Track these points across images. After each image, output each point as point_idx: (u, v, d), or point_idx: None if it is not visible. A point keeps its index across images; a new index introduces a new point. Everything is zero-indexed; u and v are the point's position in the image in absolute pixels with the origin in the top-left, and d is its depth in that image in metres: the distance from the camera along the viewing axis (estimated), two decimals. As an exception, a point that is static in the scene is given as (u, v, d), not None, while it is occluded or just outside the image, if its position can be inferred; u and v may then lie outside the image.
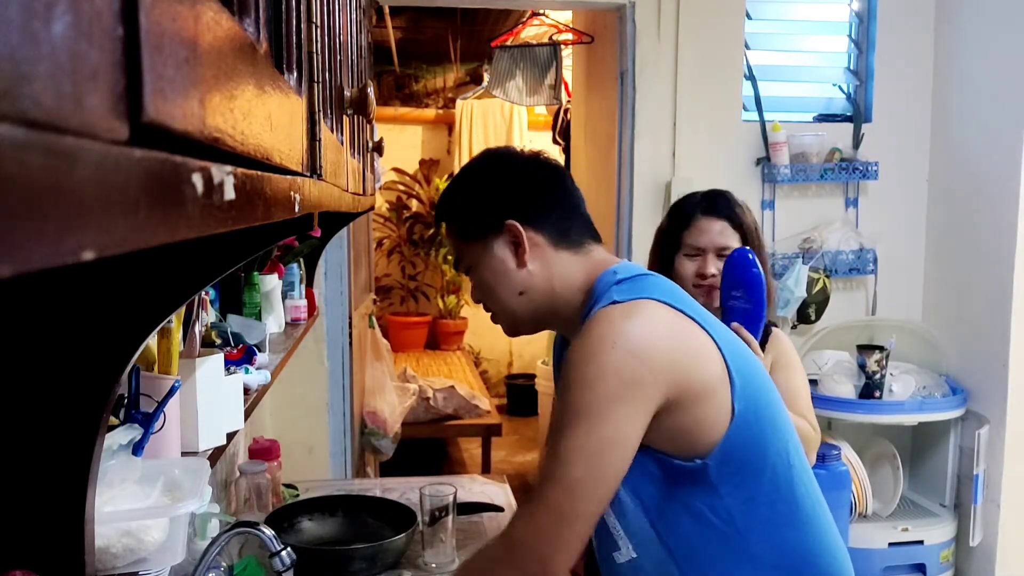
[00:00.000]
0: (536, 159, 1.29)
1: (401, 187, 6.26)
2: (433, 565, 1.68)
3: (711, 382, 1.11)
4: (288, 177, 0.58)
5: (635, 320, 1.09)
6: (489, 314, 1.30)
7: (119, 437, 0.92)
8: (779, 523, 1.16)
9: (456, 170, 6.58)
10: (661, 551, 1.18)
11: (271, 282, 1.85)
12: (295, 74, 0.66)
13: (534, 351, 6.25)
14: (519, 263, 1.22)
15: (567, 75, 4.23)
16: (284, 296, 2.01)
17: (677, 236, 1.78)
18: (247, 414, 1.27)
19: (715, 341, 1.13)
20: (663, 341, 1.10)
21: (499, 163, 1.30)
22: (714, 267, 1.74)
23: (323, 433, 2.86)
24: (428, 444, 4.82)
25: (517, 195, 1.24)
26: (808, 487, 1.19)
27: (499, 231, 1.23)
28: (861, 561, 2.94)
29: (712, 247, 1.74)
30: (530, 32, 4.09)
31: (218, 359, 1.19)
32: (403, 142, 6.15)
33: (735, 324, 1.63)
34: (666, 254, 1.80)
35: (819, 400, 3.00)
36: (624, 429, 1.07)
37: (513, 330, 1.31)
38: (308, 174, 0.71)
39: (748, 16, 3.14)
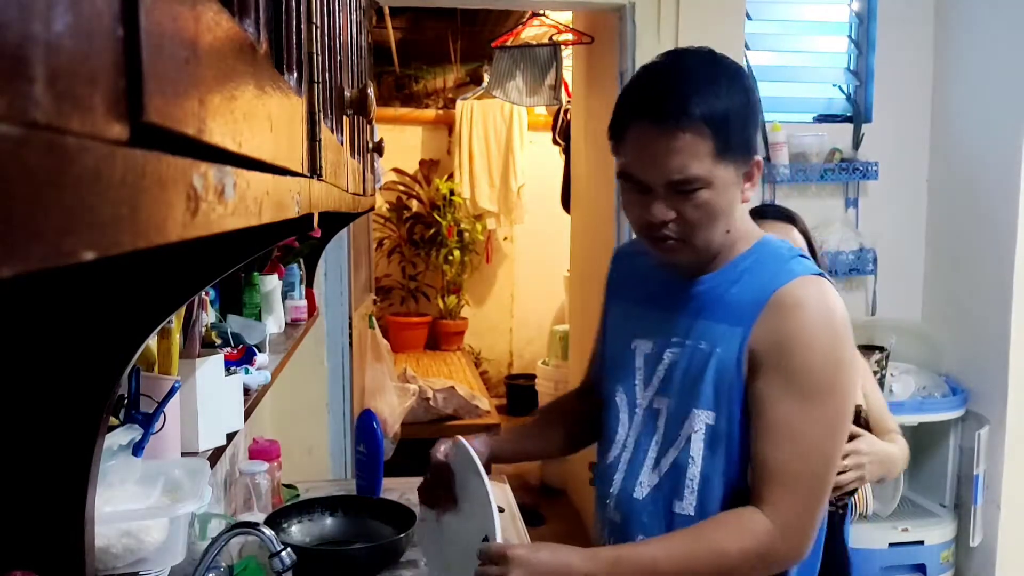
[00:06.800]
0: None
1: (401, 187, 6.25)
2: (433, 565, 1.68)
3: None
4: (288, 178, 0.58)
5: (836, 298, 1.13)
6: (660, 240, 1.13)
7: (119, 437, 0.92)
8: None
9: (456, 170, 6.53)
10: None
11: (271, 282, 1.85)
12: (295, 75, 0.66)
13: (534, 351, 6.24)
14: (743, 199, 1.14)
15: (567, 75, 4.22)
16: (284, 296, 2.01)
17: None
18: (247, 414, 1.27)
19: None
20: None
21: (751, 80, 1.16)
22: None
23: (323, 433, 2.86)
24: (428, 444, 4.78)
25: (758, 128, 1.17)
26: None
27: (746, 161, 1.12)
28: (861, 561, 2.94)
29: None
30: (530, 32, 4.08)
31: (218, 359, 1.19)
32: (403, 142, 6.15)
33: None
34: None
35: (819, 400, 3.00)
36: (852, 392, 1.13)
37: (685, 256, 1.16)
38: (308, 175, 0.71)
39: (748, 16, 3.14)
